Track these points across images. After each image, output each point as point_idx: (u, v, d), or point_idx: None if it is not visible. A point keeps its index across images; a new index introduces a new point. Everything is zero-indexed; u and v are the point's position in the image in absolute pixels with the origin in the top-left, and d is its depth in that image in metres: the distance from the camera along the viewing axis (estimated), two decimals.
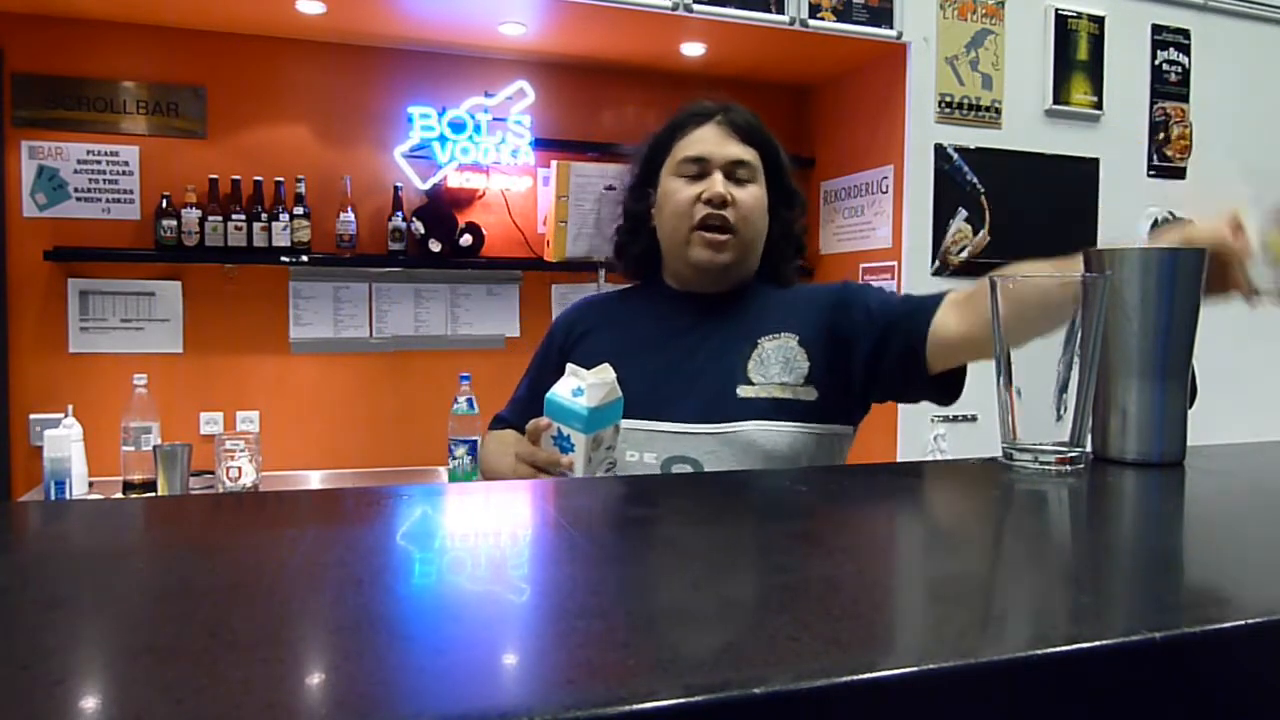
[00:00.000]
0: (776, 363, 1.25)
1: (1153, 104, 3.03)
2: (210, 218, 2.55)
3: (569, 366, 1.12)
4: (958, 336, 1.18)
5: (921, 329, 1.20)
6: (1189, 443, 0.84)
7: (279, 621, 0.40)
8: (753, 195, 1.31)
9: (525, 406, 1.38)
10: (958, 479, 0.82)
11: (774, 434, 1.21)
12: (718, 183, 1.29)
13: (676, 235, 1.32)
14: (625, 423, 1.15)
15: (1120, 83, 2.95)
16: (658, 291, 1.40)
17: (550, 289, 3.02)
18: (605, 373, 1.09)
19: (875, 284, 1.46)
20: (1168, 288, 0.81)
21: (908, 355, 1.21)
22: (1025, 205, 2.83)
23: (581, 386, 1.07)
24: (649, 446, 1.22)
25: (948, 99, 2.74)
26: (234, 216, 2.56)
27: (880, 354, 1.24)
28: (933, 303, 1.22)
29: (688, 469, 1.20)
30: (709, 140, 1.33)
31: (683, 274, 1.35)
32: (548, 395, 1.10)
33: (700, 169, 1.31)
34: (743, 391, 1.23)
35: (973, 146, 2.77)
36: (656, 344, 1.31)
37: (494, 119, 2.80)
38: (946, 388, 1.24)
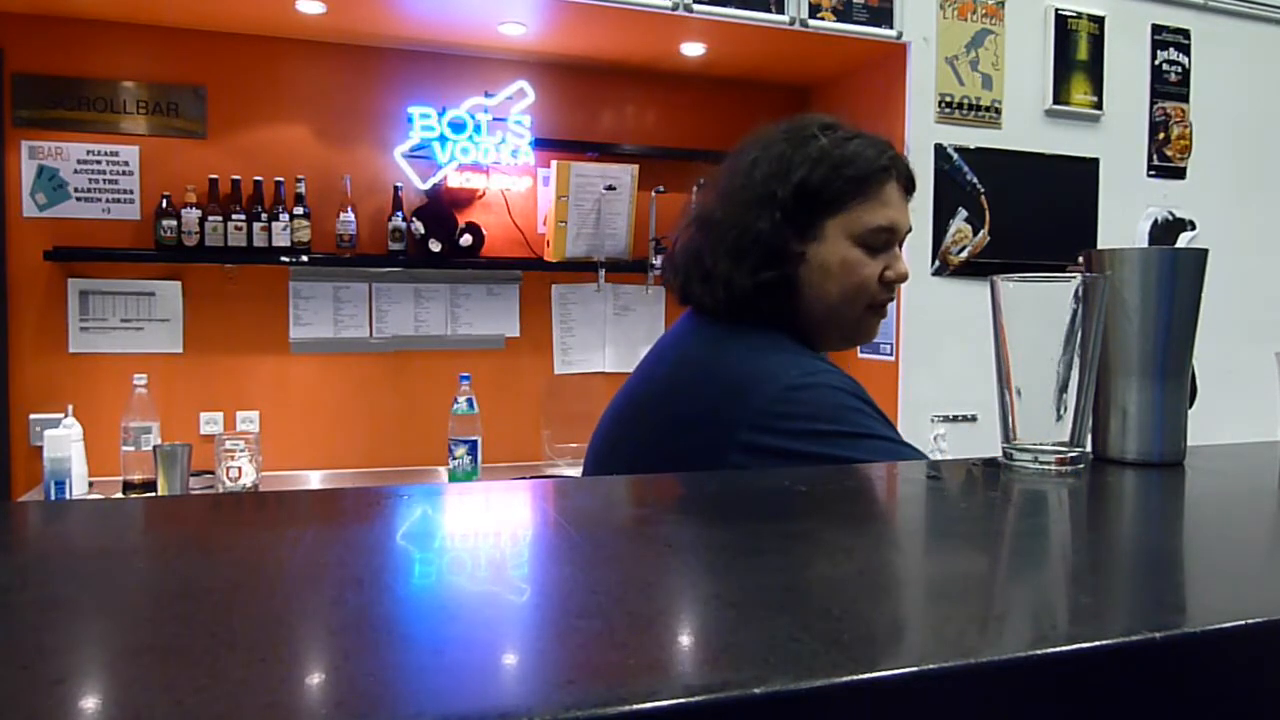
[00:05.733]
0: None
1: (1153, 104, 3.03)
2: (210, 218, 2.55)
3: None
4: None
5: None
6: (1189, 443, 0.84)
7: (279, 621, 0.40)
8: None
9: None
10: (958, 479, 0.82)
11: None
12: (902, 262, 1.16)
13: (851, 307, 1.15)
14: None
15: (1120, 83, 2.95)
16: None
17: (550, 289, 3.02)
18: None
19: None
20: (1168, 288, 0.81)
21: None
22: (1025, 205, 2.83)
23: None
24: None
25: (948, 99, 2.74)
26: (234, 216, 2.57)
27: None
28: None
29: None
30: (897, 207, 1.16)
31: (825, 338, 1.19)
32: None
33: (886, 240, 1.14)
34: None
35: (973, 146, 2.77)
36: None
37: (494, 119, 2.80)
38: None
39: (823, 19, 2.58)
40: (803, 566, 0.51)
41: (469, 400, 2.56)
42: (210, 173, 2.61)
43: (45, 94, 2.56)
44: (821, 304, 1.14)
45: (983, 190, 2.78)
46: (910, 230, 1.18)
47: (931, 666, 0.35)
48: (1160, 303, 0.81)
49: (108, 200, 2.60)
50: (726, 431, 1.05)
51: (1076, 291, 0.76)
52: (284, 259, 2.62)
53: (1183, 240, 3.07)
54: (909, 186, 1.18)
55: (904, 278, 1.15)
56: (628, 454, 1.17)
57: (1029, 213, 2.84)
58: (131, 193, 2.62)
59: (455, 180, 2.84)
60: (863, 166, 1.12)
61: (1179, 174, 3.08)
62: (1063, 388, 0.77)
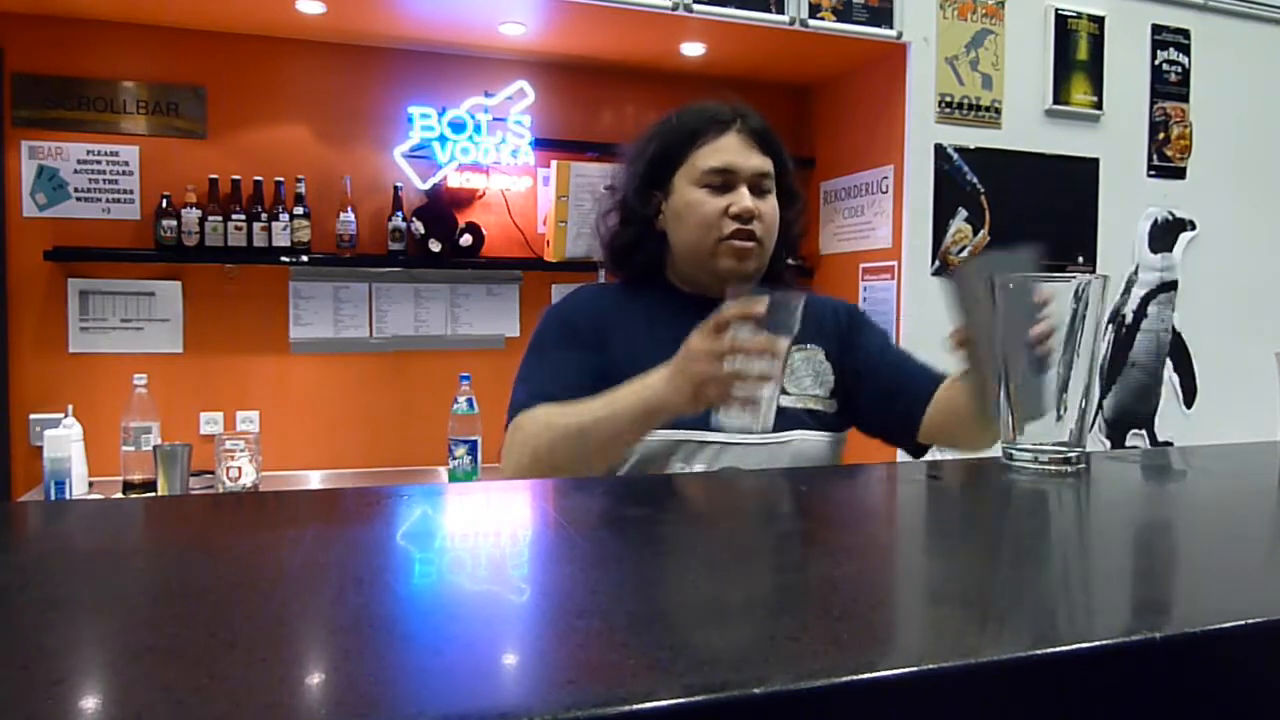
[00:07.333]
0: (807, 374, 1.33)
1: (1153, 104, 3.03)
2: (210, 218, 2.55)
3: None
4: (944, 435, 1.31)
5: (916, 414, 1.31)
6: (1189, 443, 0.84)
7: (279, 621, 0.40)
8: (773, 206, 1.33)
9: (574, 388, 1.20)
10: (958, 479, 0.82)
11: (815, 443, 1.29)
12: (746, 198, 1.29)
13: (701, 246, 1.31)
14: (668, 433, 1.19)
15: (1120, 83, 2.95)
16: (667, 295, 1.37)
17: (550, 289, 3.02)
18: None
19: (879, 324, 1.48)
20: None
21: (901, 426, 1.34)
22: (1025, 205, 2.83)
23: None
24: (699, 457, 1.22)
25: (948, 99, 2.74)
26: (234, 216, 2.56)
27: (879, 408, 1.34)
28: (931, 386, 1.32)
29: None
30: (732, 150, 1.31)
31: (700, 280, 1.34)
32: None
33: (725, 180, 1.30)
34: (781, 401, 1.21)
35: (973, 146, 2.77)
36: None
37: (494, 119, 2.80)
38: (922, 448, 1.37)
39: (823, 19, 2.58)
40: (802, 566, 0.51)
41: (469, 400, 2.56)
42: (210, 173, 2.61)
43: (45, 94, 2.56)
44: (682, 245, 1.33)
45: (983, 190, 2.78)
46: (763, 173, 1.32)
47: (931, 666, 0.35)
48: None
49: (108, 200, 2.60)
50: None
51: (1076, 291, 0.77)
52: (284, 259, 2.62)
53: (1183, 240, 3.07)
54: (757, 136, 1.33)
55: (747, 212, 1.28)
56: None
57: (1029, 213, 2.84)
58: (131, 193, 2.62)
59: (455, 180, 2.83)
60: (697, 123, 1.33)
61: (1179, 174, 3.08)
62: (1063, 388, 0.77)
